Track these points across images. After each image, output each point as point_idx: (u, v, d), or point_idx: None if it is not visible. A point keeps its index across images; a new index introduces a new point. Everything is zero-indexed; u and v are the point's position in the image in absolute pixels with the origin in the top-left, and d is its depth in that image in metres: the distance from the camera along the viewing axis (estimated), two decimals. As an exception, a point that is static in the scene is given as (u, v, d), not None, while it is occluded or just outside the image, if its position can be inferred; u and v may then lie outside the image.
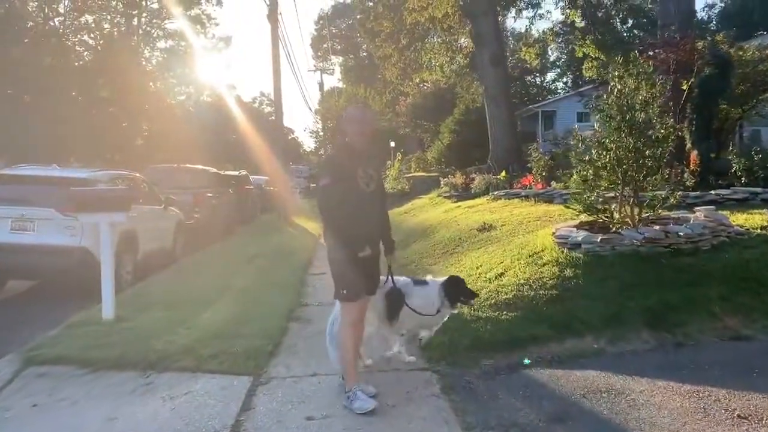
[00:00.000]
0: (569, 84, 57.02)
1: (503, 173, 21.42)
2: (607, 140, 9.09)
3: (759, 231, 9.12)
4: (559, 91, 58.57)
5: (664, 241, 8.58)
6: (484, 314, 7.92)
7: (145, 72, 38.67)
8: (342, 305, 5.70)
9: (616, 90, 9.11)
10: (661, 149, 8.85)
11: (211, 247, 16.19)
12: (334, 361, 5.95)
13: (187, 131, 34.97)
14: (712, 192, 12.86)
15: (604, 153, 9.11)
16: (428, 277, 6.61)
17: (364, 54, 66.78)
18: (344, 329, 5.61)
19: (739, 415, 4.83)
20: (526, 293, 8.30)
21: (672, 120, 11.08)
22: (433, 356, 6.67)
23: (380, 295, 5.98)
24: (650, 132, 8.97)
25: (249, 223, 23.39)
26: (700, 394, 5.32)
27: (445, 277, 6.44)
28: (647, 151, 8.88)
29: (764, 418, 4.82)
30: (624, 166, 8.99)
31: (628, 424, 4.88)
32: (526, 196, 16.93)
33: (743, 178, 13.29)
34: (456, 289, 6.25)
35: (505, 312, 7.92)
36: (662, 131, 8.92)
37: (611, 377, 5.90)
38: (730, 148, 15.48)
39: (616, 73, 9.25)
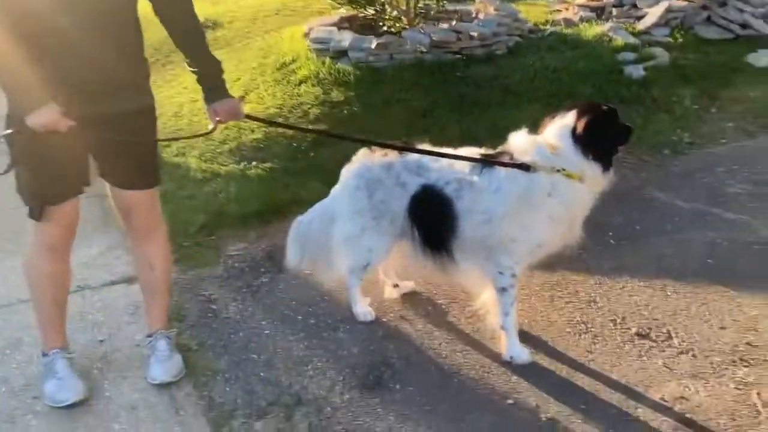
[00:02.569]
0: None
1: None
2: None
3: (550, 28, 7.48)
4: None
5: (454, 45, 6.48)
6: (223, 167, 5.26)
7: None
8: (34, 225, 2.88)
9: None
10: None
11: None
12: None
13: None
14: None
15: None
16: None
17: None
18: (33, 260, 3.02)
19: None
20: (280, 130, 5.75)
21: None
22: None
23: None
24: None
25: None
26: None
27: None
28: None
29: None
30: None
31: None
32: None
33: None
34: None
35: (254, 163, 5.33)
36: None
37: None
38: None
39: None
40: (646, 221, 4.36)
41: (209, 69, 2.91)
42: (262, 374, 3.20)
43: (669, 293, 3.55)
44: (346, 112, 5.92)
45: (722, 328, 3.22)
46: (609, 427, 2.67)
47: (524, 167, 2.85)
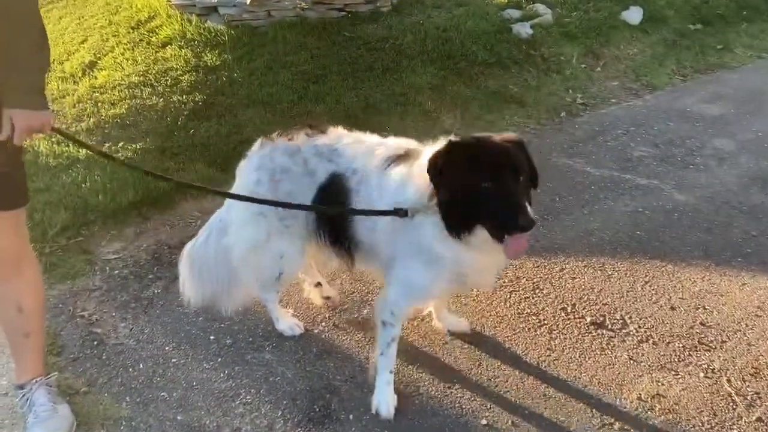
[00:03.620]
0: None
1: None
2: None
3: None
4: None
5: (337, 1, 5.90)
6: (83, 150, 4.40)
7: None
8: None
9: None
10: None
11: None
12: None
13: None
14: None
15: None
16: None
17: None
18: None
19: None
20: (148, 102, 4.92)
21: None
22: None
23: None
24: None
25: None
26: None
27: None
28: None
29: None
30: None
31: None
32: None
33: None
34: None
35: (121, 144, 4.51)
36: None
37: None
38: None
39: None
40: (564, 192, 4.20)
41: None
42: (179, 417, 2.61)
43: (609, 272, 3.38)
44: (225, 78, 5.18)
45: (672, 308, 3.10)
46: (594, 438, 2.42)
47: (401, 213, 2.28)
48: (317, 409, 2.60)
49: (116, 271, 3.57)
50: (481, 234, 2.19)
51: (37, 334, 2.54)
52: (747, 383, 2.66)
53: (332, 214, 2.53)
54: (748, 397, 2.59)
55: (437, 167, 2.20)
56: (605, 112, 5.51)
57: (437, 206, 2.22)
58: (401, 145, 2.51)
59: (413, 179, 2.33)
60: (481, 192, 2.12)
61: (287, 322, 3.00)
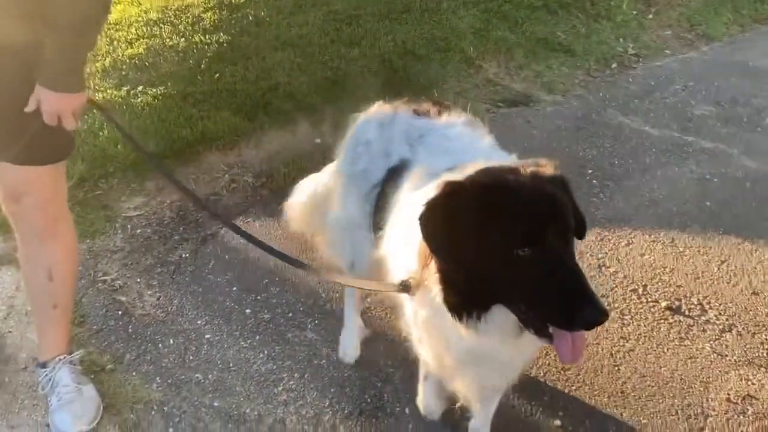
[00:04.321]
0: None
1: None
2: None
3: None
4: None
5: (371, -66, 5.37)
6: (99, 94, 4.06)
7: None
8: None
9: None
10: None
11: None
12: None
13: None
14: None
15: None
16: None
17: None
18: None
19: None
20: (168, 41, 4.53)
21: None
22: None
23: None
24: None
25: None
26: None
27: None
28: None
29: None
30: None
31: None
32: None
33: None
34: None
35: (140, 88, 4.15)
36: None
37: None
38: None
39: None
40: (623, 155, 3.85)
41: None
42: (215, 403, 2.37)
43: (681, 249, 3.08)
44: (250, 17, 4.76)
45: (755, 293, 2.81)
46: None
47: (405, 289, 1.67)
48: (368, 400, 2.35)
49: (138, 231, 3.29)
50: (499, 317, 1.50)
51: (66, 307, 2.29)
52: None
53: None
54: None
55: (433, 222, 1.49)
56: (660, 64, 5.09)
57: (436, 275, 1.53)
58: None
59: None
60: (511, 262, 1.41)
61: (347, 343, 2.53)
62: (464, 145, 1.92)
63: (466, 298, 1.48)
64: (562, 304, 1.38)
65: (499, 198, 1.44)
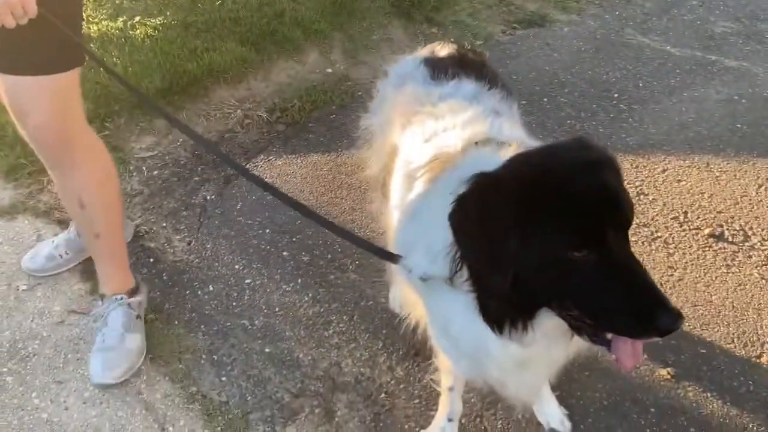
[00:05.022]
0: None
1: None
2: None
3: None
4: None
5: None
6: (93, 26, 3.81)
7: None
8: None
9: None
10: None
11: None
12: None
13: None
14: None
15: None
16: None
17: None
18: None
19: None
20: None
21: None
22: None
23: None
24: None
25: None
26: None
27: None
28: None
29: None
30: None
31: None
32: None
33: None
34: None
35: (137, 18, 3.89)
36: None
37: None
38: None
39: None
40: (647, 76, 3.75)
41: None
42: (267, 350, 2.32)
43: (717, 173, 3.03)
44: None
45: (795, 217, 2.79)
46: (745, 374, 2.18)
47: (394, 258, 1.58)
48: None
49: (155, 172, 3.15)
50: (547, 322, 1.33)
51: (111, 237, 2.20)
52: None
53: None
54: None
55: (466, 223, 1.27)
56: (675, -21, 4.89)
57: (467, 281, 1.34)
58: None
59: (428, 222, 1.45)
60: (564, 266, 1.22)
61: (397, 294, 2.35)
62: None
63: (508, 308, 1.30)
64: (629, 312, 1.20)
65: (547, 192, 1.21)
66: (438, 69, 1.86)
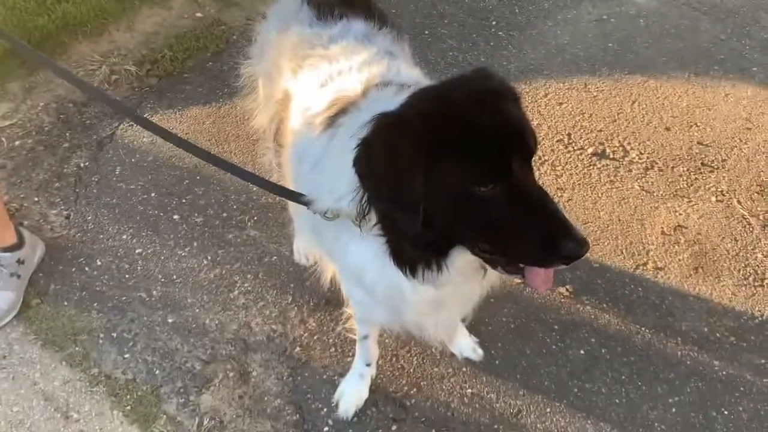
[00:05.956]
0: None
1: None
2: None
3: None
4: None
5: None
6: None
7: None
8: None
9: None
10: None
11: None
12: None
13: None
14: None
15: None
16: None
17: None
18: None
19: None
20: None
21: None
22: None
23: None
24: None
25: None
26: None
27: None
28: None
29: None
30: None
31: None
32: None
33: None
34: None
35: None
36: None
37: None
38: None
39: None
40: (522, 2, 3.78)
41: None
42: (169, 320, 2.22)
43: (594, 93, 3.15)
44: None
45: (667, 129, 2.97)
46: (635, 282, 2.33)
47: (302, 201, 1.50)
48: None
49: (17, 143, 2.87)
50: (459, 259, 1.33)
51: None
52: (756, 202, 2.64)
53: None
54: (761, 217, 2.58)
55: (371, 166, 1.23)
56: None
57: (377, 226, 1.33)
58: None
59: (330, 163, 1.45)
60: (472, 201, 1.20)
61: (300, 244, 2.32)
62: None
63: (421, 249, 1.28)
64: (537, 242, 1.19)
65: (449, 127, 1.18)
66: (323, 9, 1.77)
